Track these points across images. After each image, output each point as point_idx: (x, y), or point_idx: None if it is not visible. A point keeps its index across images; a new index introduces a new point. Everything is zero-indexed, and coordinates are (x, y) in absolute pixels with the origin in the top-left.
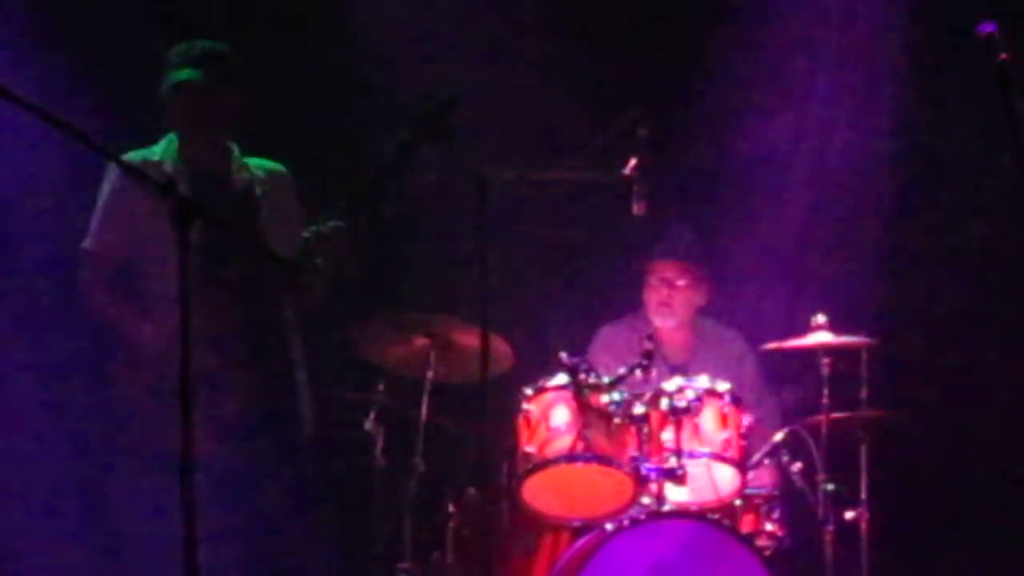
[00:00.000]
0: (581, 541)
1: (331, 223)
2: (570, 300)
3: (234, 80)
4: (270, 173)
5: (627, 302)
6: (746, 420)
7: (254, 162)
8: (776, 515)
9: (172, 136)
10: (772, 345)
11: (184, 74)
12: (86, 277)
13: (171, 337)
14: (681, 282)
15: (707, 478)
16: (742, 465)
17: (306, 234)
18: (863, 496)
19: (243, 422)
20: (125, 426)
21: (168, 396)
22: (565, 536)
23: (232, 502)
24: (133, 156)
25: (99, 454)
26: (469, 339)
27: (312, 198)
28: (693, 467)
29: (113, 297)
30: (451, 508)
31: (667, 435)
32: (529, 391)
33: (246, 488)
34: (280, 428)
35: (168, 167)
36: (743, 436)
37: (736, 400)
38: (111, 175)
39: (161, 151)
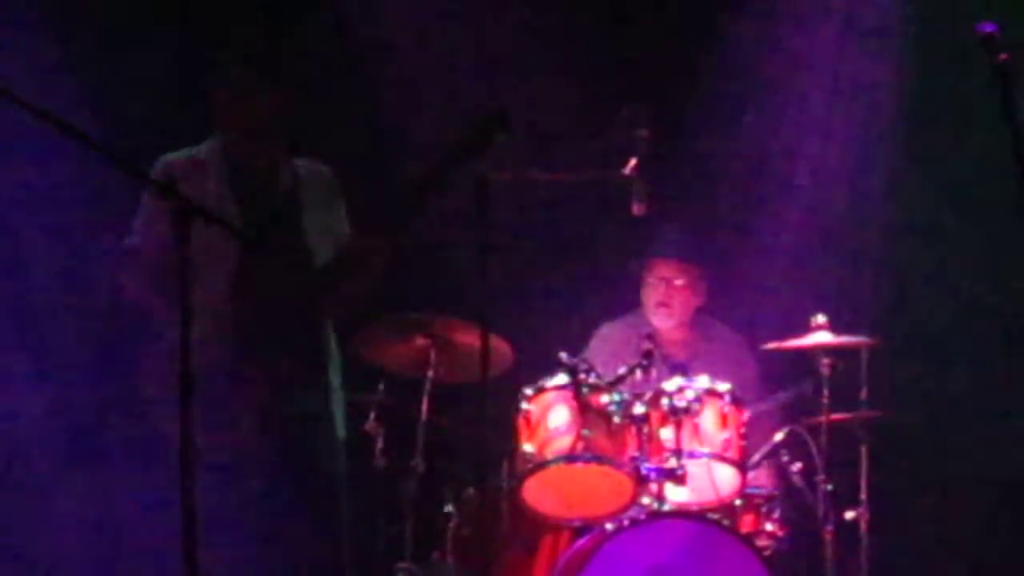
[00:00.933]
0: (581, 541)
1: (367, 231)
2: (570, 300)
3: (281, 80)
4: (316, 175)
5: (627, 302)
6: (744, 417)
7: (301, 163)
8: (776, 515)
9: (218, 135)
10: (772, 345)
11: (231, 72)
12: (126, 272)
13: (203, 334)
14: (679, 281)
15: (707, 478)
16: (742, 465)
17: (343, 241)
18: (863, 496)
19: (271, 420)
20: (151, 419)
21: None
22: (565, 536)
23: (251, 498)
24: (179, 154)
25: (120, 446)
26: (469, 339)
27: (351, 203)
28: (693, 467)
29: (151, 293)
30: (451, 508)
31: (667, 435)
32: (529, 391)
33: (268, 485)
34: (309, 428)
35: (211, 166)
36: (743, 436)
37: (736, 400)
38: (156, 173)
39: (207, 150)
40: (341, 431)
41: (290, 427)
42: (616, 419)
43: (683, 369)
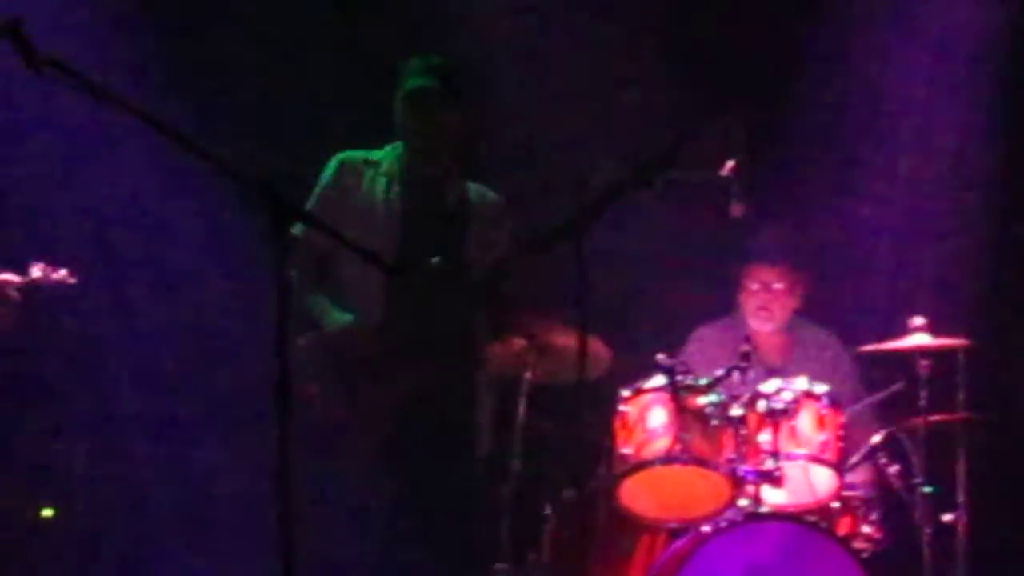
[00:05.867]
0: (678, 543)
1: (511, 251)
2: (668, 302)
3: (463, 97)
4: (487, 200)
5: (724, 304)
6: (841, 419)
7: (473, 187)
8: (874, 517)
9: (398, 144)
10: (869, 347)
11: (419, 82)
12: (291, 261)
13: (355, 327)
14: (778, 285)
15: (804, 480)
16: (839, 467)
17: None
18: (961, 499)
19: (409, 425)
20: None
21: (338, 382)
22: (662, 538)
23: (379, 497)
24: (355, 155)
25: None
26: (567, 340)
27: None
28: (790, 469)
29: (311, 284)
30: (548, 509)
31: (764, 437)
32: (626, 393)
33: (397, 488)
34: (446, 438)
35: (385, 170)
36: (841, 438)
37: (834, 402)
38: (330, 169)
39: (384, 155)
40: (484, 447)
41: (427, 434)
42: (713, 421)
43: (780, 372)
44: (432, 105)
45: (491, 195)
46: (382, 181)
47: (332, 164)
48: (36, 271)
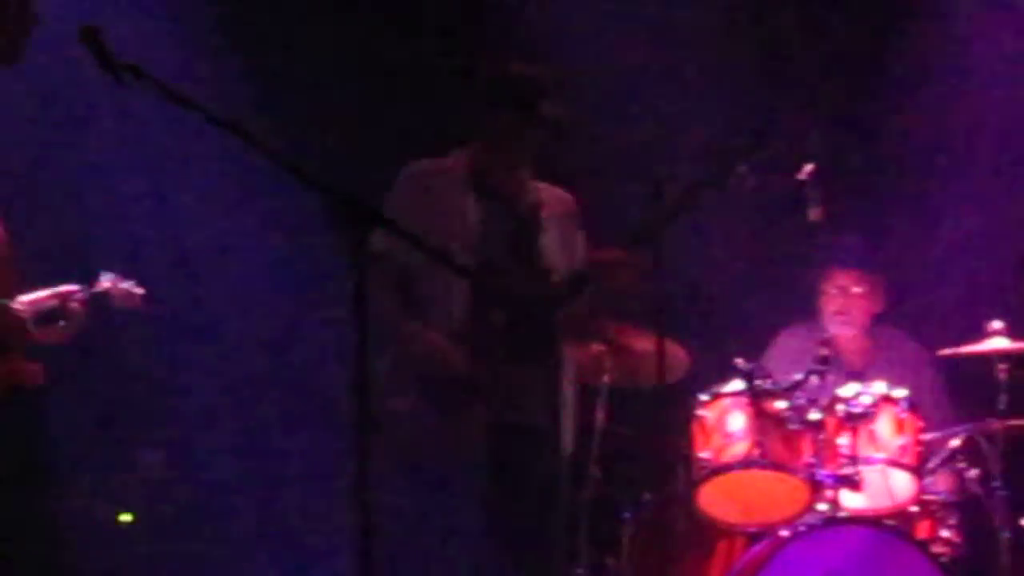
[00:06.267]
0: (756, 547)
1: (610, 254)
2: (746, 306)
3: (545, 118)
4: (557, 199)
5: (804, 308)
6: (927, 436)
7: (543, 186)
8: (952, 521)
9: (464, 149)
10: (948, 351)
11: (535, 104)
12: (373, 278)
13: (443, 343)
14: (857, 290)
15: (883, 484)
16: (918, 471)
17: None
18: None
19: (497, 431)
20: (388, 427)
21: (429, 399)
22: (740, 542)
23: (466, 505)
24: (428, 163)
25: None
26: (645, 345)
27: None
28: (869, 473)
29: (392, 299)
30: (626, 514)
31: (843, 441)
32: (705, 397)
33: (484, 495)
34: (533, 440)
35: (458, 179)
36: (920, 442)
37: (913, 406)
38: (400, 182)
39: (454, 162)
40: (568, 446)
41: (514, 438)
42: (792, 425)
43: (860, 377)
44: (518, 133)
45: (562, 194)
46: (454, 189)
47: (401, 177)
48: (105, 282)
